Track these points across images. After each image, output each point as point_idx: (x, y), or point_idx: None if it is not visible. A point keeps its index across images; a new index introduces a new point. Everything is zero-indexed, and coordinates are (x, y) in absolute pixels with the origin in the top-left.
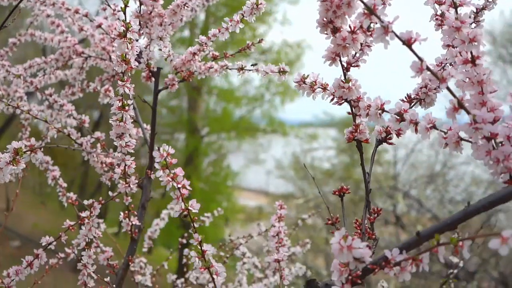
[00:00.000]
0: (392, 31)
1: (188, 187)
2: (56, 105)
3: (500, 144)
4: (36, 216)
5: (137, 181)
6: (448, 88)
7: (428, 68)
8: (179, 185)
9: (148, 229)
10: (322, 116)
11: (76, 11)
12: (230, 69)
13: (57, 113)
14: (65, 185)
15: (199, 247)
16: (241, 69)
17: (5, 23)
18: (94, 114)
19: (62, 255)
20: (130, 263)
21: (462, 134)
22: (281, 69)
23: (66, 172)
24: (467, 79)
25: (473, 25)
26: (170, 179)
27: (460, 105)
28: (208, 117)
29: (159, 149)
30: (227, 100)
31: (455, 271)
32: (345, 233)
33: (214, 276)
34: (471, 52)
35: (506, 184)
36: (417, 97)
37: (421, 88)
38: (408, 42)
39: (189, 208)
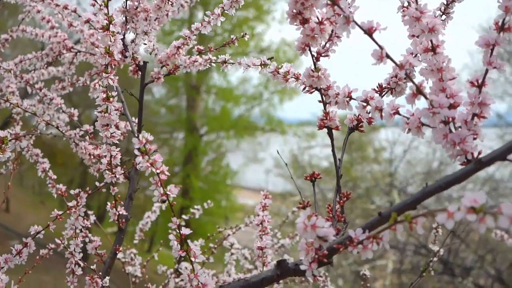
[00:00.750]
0: (353, 21)
1: (167, 173)
2: (46, 99)
3: (459, 128)
4: (36, 215)
5: (123, 172)
6: (407, 75)
7: (387, 56)
8: (158, 171)
9: (140, 222)
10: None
11: (65, 7)
12: (214, 62)
13: (47, 107)
14: (54, 177)
15: (178, 231)
16: (224, 62)
17: None
18: (93, 113)
19: (53, 245)
20: (117, 252)
21: (424, 120)
22: (263, 62)
23: (66, 172)
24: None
25: (443, 16)
26: (149, 165)
27: (418, 91)
28: (207, 116)
29: (138, 136)
30: (226, 99)
31: (435, 259)
32: (310, 213)
33: (192, 259)
34: (431, 41)
35: (462, 166)
36: (388, 86)
37: (391, 77)
38: (369, 31)
39: (168, 192)
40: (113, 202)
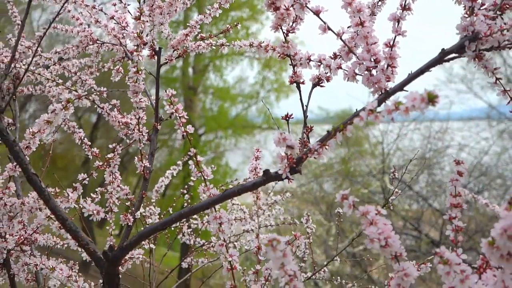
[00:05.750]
0: (306, 6)
1: (186, 116)
2: (79, 81)
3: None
4: None
5: (148, 131)
6: (342, 40)
7: (329, 28)
8: (180, 115)
9: (155, 185)
10: (317, 112)
11: (93, 7)
12: (214, 46)
13: (80, 88)
14: (89, 143)
15: (195, 158)
16: (222, 45)
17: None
18: (92, 117)
19: (90, 199)
20: (143, 196)
21: (356, 71)
22: (251, 43)
23: (67, 175)
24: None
25: (380, 3)
26: (174, 111)
27: (350, 50)
28: (205, 116)
29: (166, 90)
30: (223, 99)
31: (394, 197)
32: (282, 132)
33: (205, 177)
34: (360, 18)
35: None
36: (340, 54)
37: (342, 47)
38: (317, 13)
39: (187, 130)
40: (139, 156)
